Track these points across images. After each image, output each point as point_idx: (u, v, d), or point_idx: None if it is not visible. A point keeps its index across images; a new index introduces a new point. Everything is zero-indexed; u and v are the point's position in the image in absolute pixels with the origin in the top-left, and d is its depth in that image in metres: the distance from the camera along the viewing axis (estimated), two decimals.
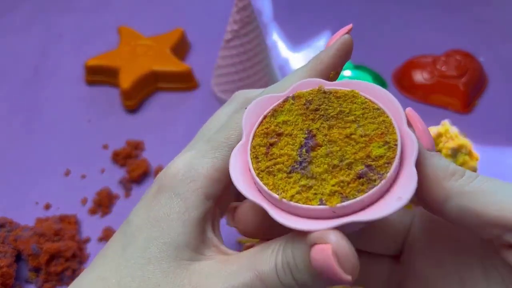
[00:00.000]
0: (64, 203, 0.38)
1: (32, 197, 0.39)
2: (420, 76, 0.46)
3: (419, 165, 0.18)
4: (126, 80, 0.45)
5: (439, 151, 0.40)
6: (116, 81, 0.47)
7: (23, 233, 0.34)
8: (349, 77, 0.45)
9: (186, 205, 0.19)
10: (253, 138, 0.19)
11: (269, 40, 0.53)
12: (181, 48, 0.52)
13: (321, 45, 0.54)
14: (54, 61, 0.53)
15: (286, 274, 0.17)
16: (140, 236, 0.19)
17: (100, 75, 0.49)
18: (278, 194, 0.18)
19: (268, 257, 0.18)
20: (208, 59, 0.50)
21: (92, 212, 0.38)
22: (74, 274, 0.34)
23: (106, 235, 0.36)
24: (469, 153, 0.38)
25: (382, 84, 0.48)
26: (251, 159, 0.19)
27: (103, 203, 0.38)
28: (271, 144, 0.19)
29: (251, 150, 0.19)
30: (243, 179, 0.18)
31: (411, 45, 0.53)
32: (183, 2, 0.61)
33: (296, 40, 0.54)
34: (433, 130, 0.40)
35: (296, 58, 0.52)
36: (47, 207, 0.38)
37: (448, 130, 0.40)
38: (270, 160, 0.19)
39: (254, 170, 0.18)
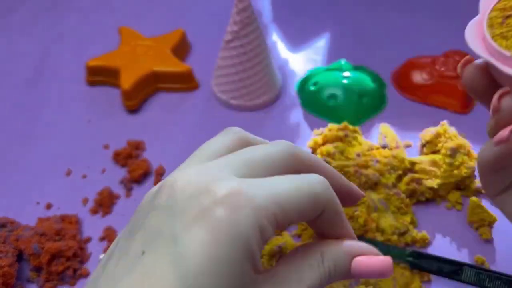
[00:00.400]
0: (65, 203, 0.39)
1: (33, 197, 0.39)
2: (419, 77, 0.47)
3: None
4: (127, 80, 0.45)
5: (438, 151, 0.40)
6: (117, 81, 0.47)
7: (24, 232, 0.34)
8: (348, 78, 0.45)
9: (247, 243, 0.17)
10: (490, 12, 0.23)
11: (269, 40, 0.54)
12: (181, 49, 0.52)
13: (321, 45, 0.54)
14: (55, 62, 0.53)
15: (325, 278, 0.20)
16: (205, 281, 0.17)
17: (100, 76, 0.49)
18: (509, 52, 0.21)
19: (313, 271, 0.20)
20: (208, 59, 0.50)
21: (93, 212, 0.38)
22: (75, 273, 0.34)
23: (107, 235, 0.36)
24: (468, 153, 0.38)
25: (381, 84, 0.49)
26: (487, 27, 0.23)
27: (104, 203, 0.38)
28: (507, 17, 0.22)
29: (487, 21, 0.23)
30: (476, 41, 0.22)
31: (410, 45, 0.53)
32: (183, 3, 0.62)
33: (296, 40, 0.55)
34: (432, 130, 0.41)
35: (296, 59, 0.52)
36: (48, 207, 0.39)
37: (447, 130, 0.40)
38: (504, 28, 0.22)
39: (489, 34, 0.22)
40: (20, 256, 0.35)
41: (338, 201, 0.21)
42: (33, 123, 0.46)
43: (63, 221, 0.37)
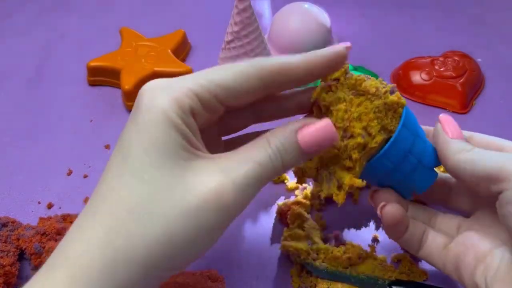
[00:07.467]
0: (66, 203, 0.39)
1: (35, 197, 0.39)
2: (418, 77, 0.47)
3: (443, 146, 0.26)
4: (128, 81, 0.46)
5: None
6: (118, 82, 0.47)
7: (25, 232, 0.35)
8: None
9: (165, 113, 0.21)
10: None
11: None
12: (182, 49, 0.52)
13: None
14: (57, 62, 0.53)
15: (276, 158, 0.22)
16: (134, 146, 0.21)
17: (102, 76, 0.49)
18: None
19: (260, 152, 0.22)
20: (208, 60, 0.51)
21: None
22: None
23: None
24: None
25: None
26: None
27: None
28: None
29: None
30: None
31: (409, 46, 0.54)
32: (184, 4, 0.62)
33: None
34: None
35: None
36: (50, 206, 0.39)
37: None
38: None
39: None
40: (21, 256, 0.35)
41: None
42: (34, 123, 0.46)
43: (64, 221, 0.37)
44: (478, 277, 0.24)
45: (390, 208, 0.27)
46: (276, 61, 0.23)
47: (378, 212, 0.28)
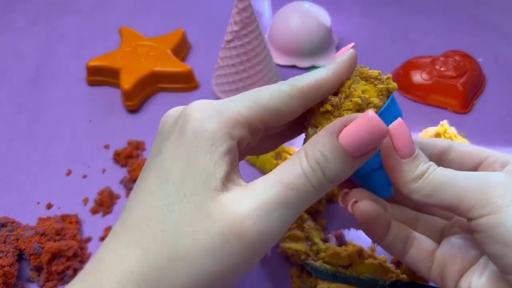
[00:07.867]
0: (66, 203, 0.39)
1: (34, 197, 0.39)
2: (419, 77, 0.47)
3: (393, 170, 0.23)
4: (127, 80, 0.46)
5: None
6: (117, 81, 0.47)
7: (24, 232, 0.34)
8: None
9: (213, 139, 0.20)
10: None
11: None
12: (181, 49, 0.52)
13: None
14: (56, 62, 0.53)
15: (316, 173, 0.20)
16: (174, 172, 0.20)
17: (101, 76, 0.49)
18: None
19: (292, 167, 0.20)
20: (208, 59, 0.51)
21: (94, 211, 0.38)
22: (76, 273, 0.34)
23: (107, 235, 0.36)
24: None
25: None
26: None
27: (104, 203, 0.38)
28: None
29: None
30: None
31: (410, 46, 0.54)
32: (183, 3, 0.62)
33: None
34: (432, 130, 0.41)
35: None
36: (49, 206, 0.39)
37: (447, 130, 0.40)
38: None
39: None
40: (20, 256, 0.35)
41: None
42: (33, 123, 0.46)
43: (63, 221, 0.37)
44: (462, 284, 0.23)
45: (363, 204, 0.24)
46: (311, 78, 0.22)
47: (350, 209, 0.24)
